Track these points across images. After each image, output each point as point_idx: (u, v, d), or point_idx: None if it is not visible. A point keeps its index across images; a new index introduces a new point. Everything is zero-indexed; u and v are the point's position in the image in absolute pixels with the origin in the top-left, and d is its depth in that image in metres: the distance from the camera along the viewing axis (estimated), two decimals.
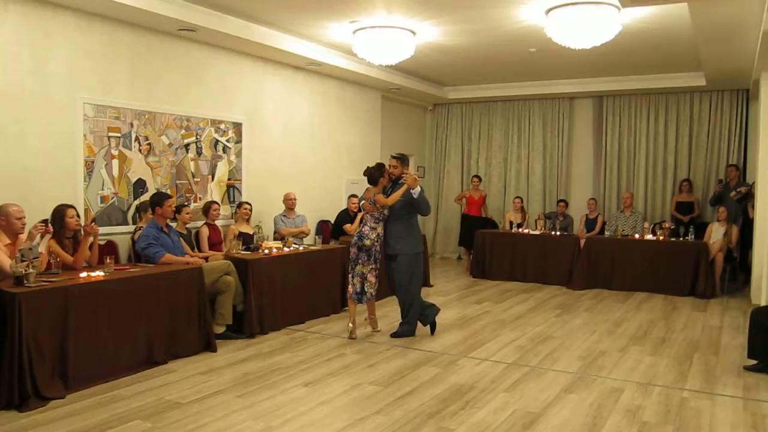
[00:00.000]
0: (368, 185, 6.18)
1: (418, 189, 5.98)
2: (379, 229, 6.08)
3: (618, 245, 9.32)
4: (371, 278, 6.12)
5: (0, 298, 4.39)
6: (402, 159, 6.23)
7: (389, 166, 6.18)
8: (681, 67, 9.65)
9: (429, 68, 10.10)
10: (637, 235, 9.47)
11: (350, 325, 6.18)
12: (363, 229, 6.08)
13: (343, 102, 10.16)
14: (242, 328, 6.16)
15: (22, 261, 4.49)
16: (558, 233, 9.91)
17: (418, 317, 6.32)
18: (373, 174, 6.11)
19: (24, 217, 4.86)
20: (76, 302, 4.62)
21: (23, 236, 4.89)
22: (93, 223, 5.45)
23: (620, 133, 11.38)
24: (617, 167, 11.42)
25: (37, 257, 4.67)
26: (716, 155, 10.64)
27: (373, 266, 6.10)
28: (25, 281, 4.45)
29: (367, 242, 6.02)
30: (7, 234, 4.81)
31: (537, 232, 10.05)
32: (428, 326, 6.43)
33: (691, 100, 10.79)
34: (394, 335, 6.25)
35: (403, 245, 6.10)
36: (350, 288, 6.19)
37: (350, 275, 6.20)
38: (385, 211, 6.07)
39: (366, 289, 6.12)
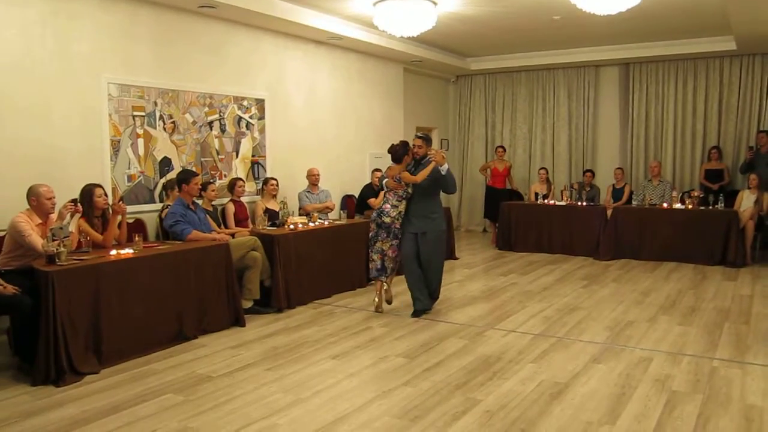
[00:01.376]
0: (391, 162, 6.11)
1: (446, 166, 5.87)
2: (401, 207, 6.00)
3: (646, 215, 9.20)
4: (391, 254, 6.10)
5: (34, 276, 4.50)
6: (426, 139, 6.12)
7: (413, 145, 6.07)
8: (710, 31, 9.40)
9: (451, 39, 9.98)
10: (665, 204, 9.33)
11: (375, 299, 6.23)
12: (384, 207, 6.01)
13: (365, 76, 10.10)
14: (270, 302, 6.24)
15: (54, 240, 4.58)
16: (584, 204, 9.81)
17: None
18: (398, 151, 6.04)
19: (54, 197, 4.94)
20: (107, 280, 4.71)
21: (54, 216, 4.98)
22: (121, 202, 5.53)
23: (647, 100, 11.16)
24: (644, 136, 11.23)
25: (68, 236, 4.75)
26: (747, 121, 10.40)
27: (393, 242, 6.06)
28: (57, 260, 4.54)
29: (387, 219, 5.97)
30: (38, 214, 4.89)
31: (563, 203, 9.96)
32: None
33: (720, 65, 10.53)
34: (417, 314, 6.15)
35: (432, 223, 6.05)
36: (371, 264, 6.21)
37: (370, 251, 6.20)
38: (409, 190, 5.99)
39: (386, 265, 6.12)
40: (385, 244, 6.06)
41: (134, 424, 3.65)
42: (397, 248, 6.11)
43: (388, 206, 5.99)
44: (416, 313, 6.13)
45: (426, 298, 6.19)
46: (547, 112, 12.07)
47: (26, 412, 3.84)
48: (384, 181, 6.14)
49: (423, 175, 5.87)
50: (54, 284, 4.32)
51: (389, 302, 6.33)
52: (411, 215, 6.06)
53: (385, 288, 6.27)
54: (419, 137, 6.11)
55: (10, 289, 4.41)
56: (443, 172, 5.85)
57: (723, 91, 10.56)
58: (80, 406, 3.90)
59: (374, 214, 6.09)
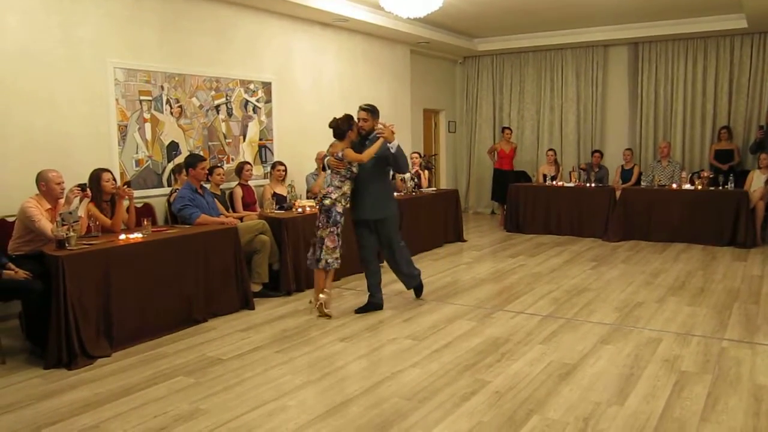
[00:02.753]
0: (333, 139, 5.39)
1: (396, 142, 5.28)
2: (345, 188, 5.30)
3: (655, 196, 9.16)
4: (329, 243, 5.31)
5: (44, 261, 4.52)
6: (373, 111, 5.42)
7: (358, 119, 5.40)
8: (720, 9, 9.29)
9: (458, 20, 9.90)
10: (674, 185, 9.28)
11: (311, 300, 5.57)
12: (327, 189, 5.33)
13: (371, 58, 10.05)
14: (279, 286, 6.26)
15: (63, 225, 4.60)
16: (593, 185, 9.76)
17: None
18: (341, 126, 5.30)
19: (63, 182, 4.95)
20: (117, 264, 4.73)
21: (62, 201, 5.00)
22: (126, 186, 5.52)
23: (657, 80, 11.07)
24: (654, 116, 11.14)
25: (77, 221, 4.78)
26: (758, 101, 10.30)
27: (332, 229, 5.29)
28: (67, 245, 4.57)
29: (327, 201, 5.24)
30: (47, 199, 4.92)
31: (571, 185, 9.92)
32: (375, 300, 5.80)
33: (731, 44, 10.41)
34: (418, 293, 6.03)
35: (388, 208, 5.55)
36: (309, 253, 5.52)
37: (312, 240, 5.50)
38: (354, 169, 5.31)
39: (322, 256, 5.32)
40: (324, 231, 5.31)
41: (146, 407, 3.68)
42: (337, 238, 5.36)
43: (330, 188, 5.29)
44: (368, 306, 5.67)
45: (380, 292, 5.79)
46: (555, 92, 11.99)
47: (39, 395, 3.89)
48: (326, 160, 5.44)
49: (370, 153, 5.23)
50: (64, 269, 4.34)
51: (326, 311, 5.46)
52: (364, 200, 5.44)
53: (322, 296, 5.43)
54: (365, 109, 5.43)
55: (21, 274, 4.45)
56: (393, 150, 5.28)
57: (733, 71, 10.45)
58: (92, 389, 3.94)
59: (317, 200, 5.46)
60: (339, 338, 4.91)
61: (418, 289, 6.04)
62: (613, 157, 11.14)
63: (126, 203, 5.53)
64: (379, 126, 5.26)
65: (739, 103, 10.42)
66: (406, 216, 8.13)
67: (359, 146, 5.35)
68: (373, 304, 5.69)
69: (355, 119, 5.40)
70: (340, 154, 5.24)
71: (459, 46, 11.41)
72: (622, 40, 11.05)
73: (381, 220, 5.50)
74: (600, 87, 11.59)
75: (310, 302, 5.58)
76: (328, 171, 5.40)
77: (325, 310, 5.40)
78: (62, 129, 5.79)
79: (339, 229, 5.32)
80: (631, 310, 5.57)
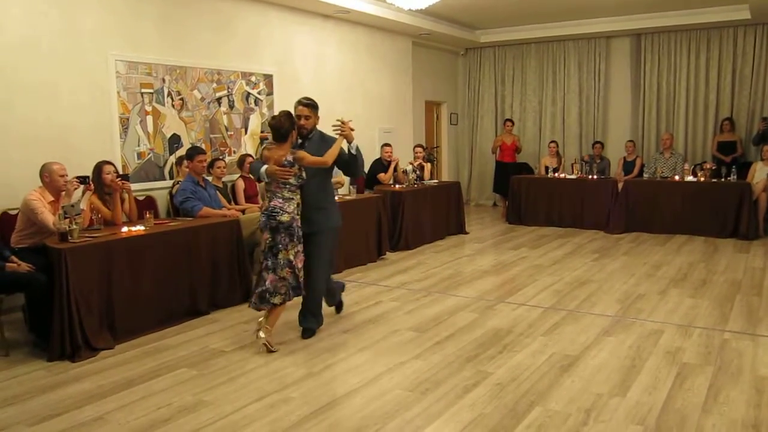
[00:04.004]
0: (271, 142, 4.55)
1: (355, 142, 4.67)
2: (298, 198, 4.46)
3: (657, 187, 9.14)
4: (299, 263, 4.47)
5: (47, 254, 4.53)
6: (315, 106, 4.71)
7: (298, 116, 4.59)
8: (724, 0, 9.24)
9: (460, 11, 9.87)
10: (677, 177, 9.26)
11: (260, 334, 4.44)
12: (273, 203, 4.38)
13: (373, 50, 10.02)
14: None
15: (66, 218, 4.61)
16: (595, 176, 9.75)
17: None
18: (284, 126, 4.43)
19: (66, 175, 4.95)
20: (119, 256, 4.74)
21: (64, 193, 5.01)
22: (120, 179, 5.43)
23: (659, 72, 11.04)
24: (656, 108, 11.12)
25: (80, 214, 4.78)
26: (761, 92, 10.28)
27: (299, 247, 4.45)
28: (70, 237, 4.57)
29: (285, 218, 4.34)
30: (50, 191, 4.92)
31: (573, 176, 9.91)
32: (334, 307, 5.32)
33: (734, 35, 10.37)
34: (309, 335, 4.78)
35: (324, 218, 4.69)
36: (274, 284, 4.41)
37: (262, 272, 4.46)
38: (304, 175, 4.46)
39: (299, 282, 4.48)
40: (291, 252, 4.39)
41: (149, 398, 3.69)
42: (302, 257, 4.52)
43: (279, 201, 4.37)
44: (309, 334, 4.78)
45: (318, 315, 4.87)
46: (558, 84, 11.97)
47: (43, 387, 3.90)
48: (262, 170, 4.40)
49: (333, 155, 4.51)
50: (67, 261, 4.35)
51: (273, 349, 4.46)
52: (304, 210, 4.55)
53: (263, 335, 4.43)
54: (306, 104, 4.64)
55: (24, 266, 4.46)
56: (353, 150, 4.62)
57: (736, 62, 10.41)
58: (96, 381, 3.96)
59: (262, 218, 4.44)
60: (341, 330, 4.92)
61: (313, 331, 4.87)
62: (615, 148, 11.13)
63: (125, 196, 5.52)
64: (337, 122, 4.56)
65: (742, 94, 10.39)
66: (409, 208, 8.14)
67: (298, 149, 4.56)
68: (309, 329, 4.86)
69: (295, 117, 4.59)
70: (290, 159, 4.39)
71: (461, 37, 11.38)
72: (625, 32, 11.01)
73: (317, 233, 4.63)
74: (602, 78, 11.56)
75: (258, 335, 4.45)
76: (263, 182, 4.53)
77: (272, 349, 4.45)
78: (64, 121, 5.79)
79: (302, 246, 4.49)
80: (633, 302, 5.57)
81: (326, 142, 4.64)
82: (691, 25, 10.35)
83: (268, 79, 8.01)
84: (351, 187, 7.98)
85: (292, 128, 4.48)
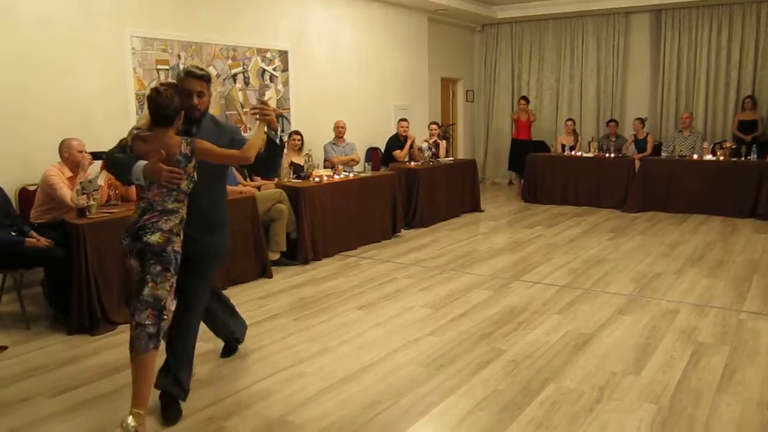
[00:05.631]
0: (147, 128, 3.12)
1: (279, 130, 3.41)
2: (183, 212, 3.11)
3: (675, 166, 9.05)
4: (171, 304, 3.08)
5: (65, 230, 4.58)
6: (209, 80, 3.34)
7: (191, 91, 3.22)
8: None
9: None
10: (695, 156, 9.15)
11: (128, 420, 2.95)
12: (145, 218, 3.02)
13: (388, 26, 9.94)
14: (296, 254, 6.30)
15: (83, 194, 4.65)
16: (612, 155, 9.66)
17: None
18: (172, 103, 3.04)
19: (84, 150, 4.98)
20: None
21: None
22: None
23: (680, 48, 10.85)
24: (675, 85, 10.95)
25: (97, 189, 4.82)
26: None
27: (172, 281, 3.07)
28: (88, 213, 4.62)
29: (155, 238, 2.99)
30: (69, 167, 4.95)
31: (590, 155, 9.83)
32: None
33: (757, 10, 10.16)
34: (171, 411, 3.22)
35: (213, 240, 3.37)
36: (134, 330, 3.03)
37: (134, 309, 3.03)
38: (195, 177, 3.09)
39: (162, 326, 3.05)
40: (160, 287, 3.01)
41: None
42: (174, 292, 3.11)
43: (154, 215, 3.02)
44: (172, 419, 3.20)
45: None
46: (575, 61, 11.82)
47: (63, 360, 3.97)
48: (139, 168, 2.99)
49: (255, 146, 3.19)
50: (85, 237, 4.40)
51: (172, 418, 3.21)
52: (187, 227, 3.16)
53: (133, 424, 2.95)
54: (200, 75, 3.28)
55: (44, 242, 4.51)
56: (277, 140, 3.34)
57: (759, 38, 10.21)
58: (114, 355, 4.02)
59: (125, 240, 3.06)
60: (356, 306, 4.95)
61: (231, 345, 4.01)
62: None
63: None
64: (258, 104, 3.36)
65: (765, 71, 10.21)
66: (424, 186, 8.12)
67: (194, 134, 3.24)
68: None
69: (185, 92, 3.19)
70: (186, 151, 3.03)
71: (477, 13, 11.25)
72: (645, 7, 10.82)
73: (200, 259, 3.28)
74: (621, 55, 11.39)
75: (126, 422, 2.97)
76: (141, 183, 3.06)
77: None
78: (80, 98, 5.81)
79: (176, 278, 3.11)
80: (649, 282, 5.54)
81: (223, 130, 3.39)
82: (712, 1, 10.15)
83: (283, 55, 7.99)
84: (366, 164, 7.98)
85: (182, 108, 3.10)
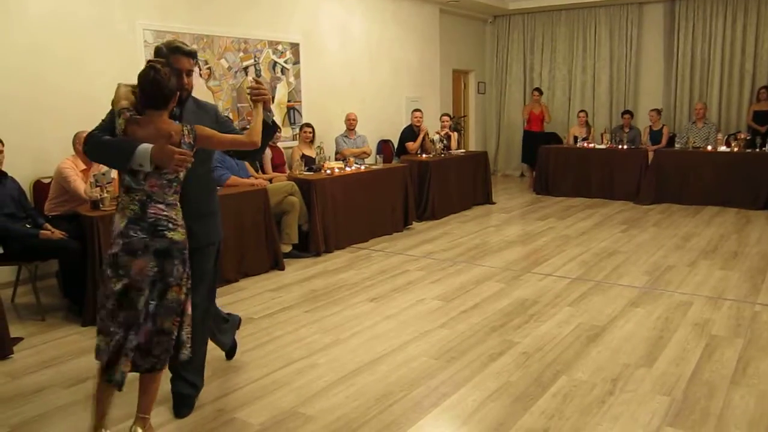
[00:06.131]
0: (140, 111, 2.81)
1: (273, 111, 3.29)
2: (179, 205, 2.83)
3: (689, 158, 8.97)
4: (190, 309, 2.87)
5: (79, 222, 4.62)
6: (197, 56, 3.18)
7: (181, 69, 2.97)
8: None
9: None
10: (709, 147, 9.07)
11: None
12: (153, 212, 2.71)
13: (399, 18, 9.90)
14: (308, 247, 6.32)
15: (97, 186, 4.68)
16: (625, 146, 9.59)
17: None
18: (169, 84, 2.77)
19: None
20: None
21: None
22: None
23: (694, 39, 10.74)
24: (689, 76, 10.84)
25: (110, 182, 4.85)
26: None
27: (189, 281, 2.85)
28: (101, 205, 4.65)
29: (179, 235, 2.75)
30: (82, 159, 4.99)
31: (603, 146, 9.77)
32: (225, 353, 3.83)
33: None
34: (184, 408, 3.19)
35: (206, 228, 3.14)
36: (110, 349, 2.73)
37: (114, 325, 2.72)
38: (189, 164, 2.76)
39: (184, 337, 2.84)
40: (182, 291, 2.78)
41: None
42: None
43: (161, 207, 2.73)
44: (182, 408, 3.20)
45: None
46: (588, 52, 11.73)
47: (78, 351, 4.01)
48: (144, 151, 2.66)
49: (259, 130, 3.03)
50: (98, 229, 4.43)
51: None
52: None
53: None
54: (187, 52, 3.04)
55: (58, 234, 4.56)
56: (270, 121, 3.17)
57: None
58: None
59: (128, 239, 2.68)
60: (368, 298, 4.96)
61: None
62: (647, 118, 10.90)
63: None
64: (250, 81, 3.03)
65: None
66: (435, 178, 8.11)
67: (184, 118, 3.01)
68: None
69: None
70: (189, 139, 2.79)
71: (489, 4, 11.18)
72: None
73: (196, 250, 3.00)
74: (634, 46, 11.29)
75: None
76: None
77: None
78: (93, 91, 5.83)
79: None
80: (662, 274, 5.51)
81: (206, 111, 3.16)
82: None
83: (295, 47, 7.98)
84: (378, 156, 7.98)
85: (177, 89, 2.83)
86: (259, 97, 3.07)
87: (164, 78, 2.74)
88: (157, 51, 3.02)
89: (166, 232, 2.71)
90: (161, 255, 2.70)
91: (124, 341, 2.69)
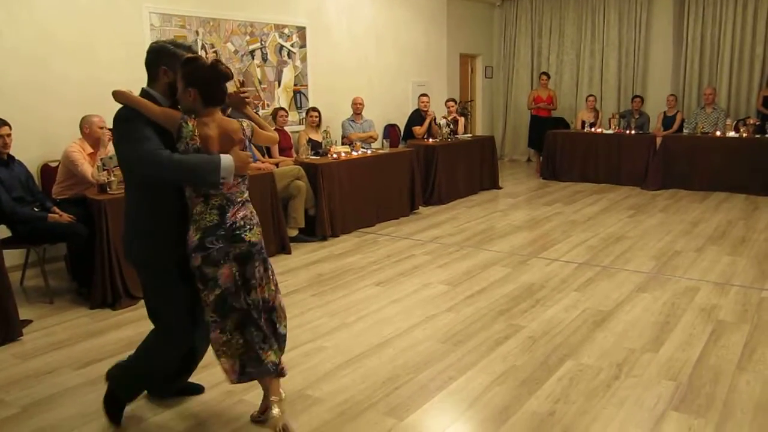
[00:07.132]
0: (205, 108, 2.64)
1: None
2: None
3: (697, 143, 8.92)
4: (281, 302, 2.93)
5: (87, 205, 4.64)
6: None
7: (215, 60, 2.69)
8: None
9: None
10: (718, 133, 9.01)
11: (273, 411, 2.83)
12: (243, 214, 2.70)
13: (407, 1, 9.83)
14: (315, 231, 6.33)
15: (104, 170, 4.69)
16: (633, 131, 9.54)
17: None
18: (230, 74, 2.67)
19: (105, 127, 5.02)
20: None
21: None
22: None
23: (704, 23, 10.62)
24: (699, 60, 10.74)
25: (117, 165, 4.85)
26: None
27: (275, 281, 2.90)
28: (108, 189, 4.67)
29: (256, 237, 2.72)
30: (90, 143, 5.00)
31: (611, 131, 9.71)
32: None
33: None
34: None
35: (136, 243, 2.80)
36: (236, 361, 2.79)
37: (221, 331, 2.75)
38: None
39: (281, 331, 2.90)
40: (269, 288, 2.84)
41: None
42: None
43: (240, 209, 2.71)
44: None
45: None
46: (596, 36, 11.63)
47: (87, 333, 4.04)
48: (227, 165, 2.59)
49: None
50: (106, 212, 4.45)
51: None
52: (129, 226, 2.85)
53: (277, 411, 2.82)
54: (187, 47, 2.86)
55: (66, 217, 4.58)
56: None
57: None
58: (136, 328, 4.07)
59: (214, 244, 2.61)
60: (374, 282, 4.97)
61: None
62: (655, 103, 10.82)
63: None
64: (243, 88, 2.85)
65: None
66: (442, 163, 8.09)
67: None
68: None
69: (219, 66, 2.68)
70: (248, 133, 2.77)
71: None
72: None
73: (142, 263, 2.89)
74: (643, 30, 11.17)
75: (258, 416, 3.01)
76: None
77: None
78: (100, 75, 5.83)
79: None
80: (669, 259, 5.50)
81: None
82: None
83: (301, 31, 7.95)
84: (384, 141, 7.95)
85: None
86: (253, 100, 2.82)
87: (225, 70, 2.63)
88: (163, 49, 2.86)
89: (243, 235, 2.65)
90: (243, 259, 2.67)
91: (251, 337, 2.75)
